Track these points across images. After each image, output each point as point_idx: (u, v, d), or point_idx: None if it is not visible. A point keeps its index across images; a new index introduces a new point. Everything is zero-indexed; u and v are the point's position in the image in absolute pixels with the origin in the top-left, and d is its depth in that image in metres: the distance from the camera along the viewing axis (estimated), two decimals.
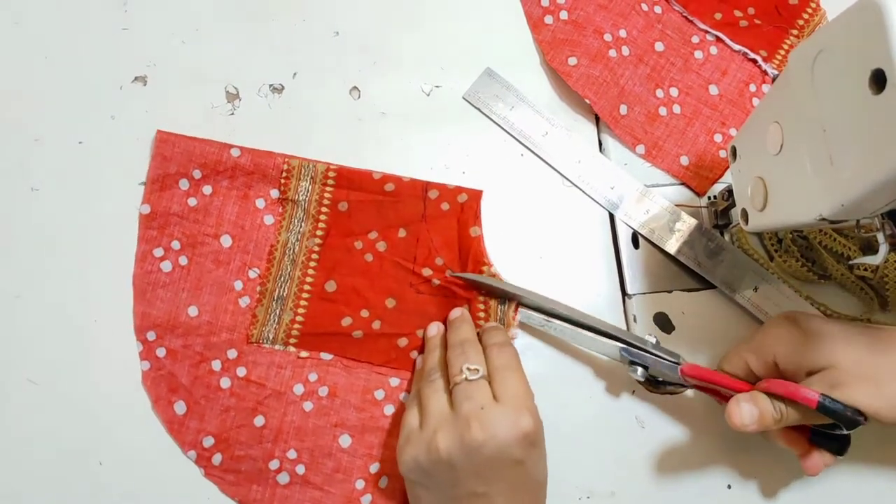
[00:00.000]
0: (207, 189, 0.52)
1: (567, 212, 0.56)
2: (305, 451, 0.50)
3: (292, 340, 0.52)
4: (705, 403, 0.54)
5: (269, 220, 0.53)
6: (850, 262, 0.54)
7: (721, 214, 0.56)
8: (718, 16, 0.61)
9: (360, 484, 0.50)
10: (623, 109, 0.57)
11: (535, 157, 0.57)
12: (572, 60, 0.57)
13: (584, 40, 0.58)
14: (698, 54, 0.60)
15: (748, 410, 0.44)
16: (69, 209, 0.52)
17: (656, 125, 0.58)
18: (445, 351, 0.49)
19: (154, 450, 0.50)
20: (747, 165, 0.48)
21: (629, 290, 0.55)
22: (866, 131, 0.34)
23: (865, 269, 0.55)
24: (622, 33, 0.59)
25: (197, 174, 0.52)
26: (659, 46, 0.59)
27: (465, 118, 0.57)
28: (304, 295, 0.52)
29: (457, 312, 0.52)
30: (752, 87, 0.60)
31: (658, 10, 0.60)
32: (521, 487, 0.44)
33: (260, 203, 0.53)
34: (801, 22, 0.61)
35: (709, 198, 0.57)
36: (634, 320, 0.54)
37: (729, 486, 0.53)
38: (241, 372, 0.51)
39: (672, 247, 0.55)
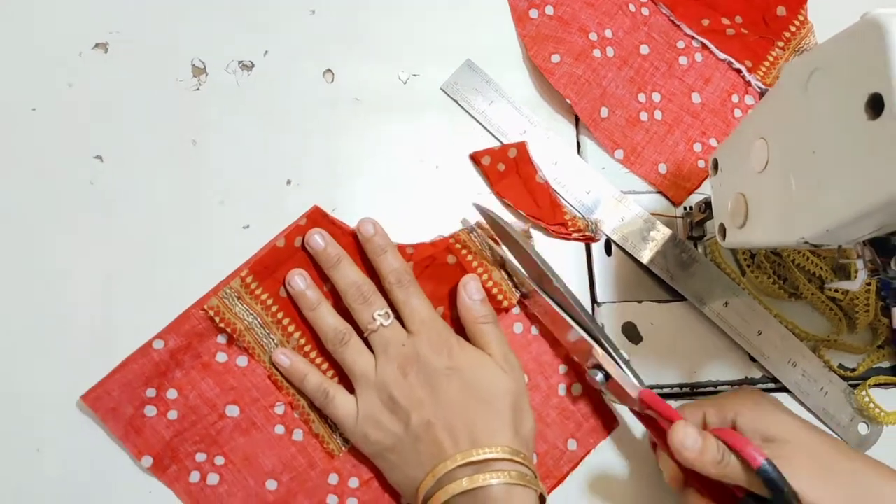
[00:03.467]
0: (172, 394, 0.48)
1: None
2: None
3: None
4: None
5: (242, 362, 0.49)
6: (827, 286, 0.53)
7: (696, 226, 0.54)
8: (706, 22, 0.59)
9: None
10: (604, 112, 0.56)
11: None
12: (555, 58, 0.55)
13: (568, 38, 0.56)
14: (683, 60, 0.58)
15: (693, 436, 0.42)
16: (20, 179, 0.49)
17: (636, 130, 0.57)
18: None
19: None
20: (729, 180, 0.47)
21: (599, 299, 0.54)
22: (859, 157, 0.33)
23: (836, 291, 0.55)
24: (608, 33, 0.57)
25: (151, 393, 0.48)
26: (644, 49, 0.58)
27: (442, 110, 0.55)
28: (335, 382, 0.49)
29: (320, 244, 0.49)
30: (735, 98, 0.59)
31: (645, 11, 0.59)
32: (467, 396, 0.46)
33: (222, 357, 0.49)
34: (787, 34, 0.60)
35: (685, 208, 0.56)
36: (602, 329, 0.53)
37: None
38: (354, 483, 0.49)
39: (645, 256, 0.54)
